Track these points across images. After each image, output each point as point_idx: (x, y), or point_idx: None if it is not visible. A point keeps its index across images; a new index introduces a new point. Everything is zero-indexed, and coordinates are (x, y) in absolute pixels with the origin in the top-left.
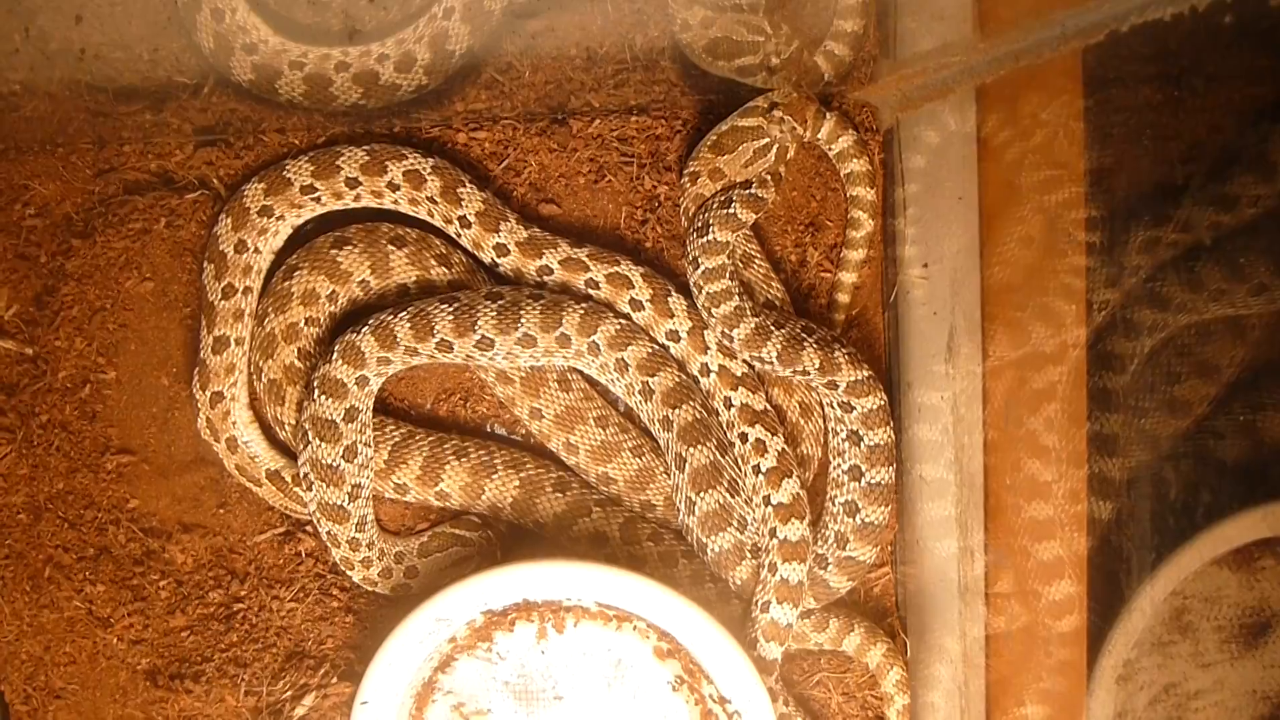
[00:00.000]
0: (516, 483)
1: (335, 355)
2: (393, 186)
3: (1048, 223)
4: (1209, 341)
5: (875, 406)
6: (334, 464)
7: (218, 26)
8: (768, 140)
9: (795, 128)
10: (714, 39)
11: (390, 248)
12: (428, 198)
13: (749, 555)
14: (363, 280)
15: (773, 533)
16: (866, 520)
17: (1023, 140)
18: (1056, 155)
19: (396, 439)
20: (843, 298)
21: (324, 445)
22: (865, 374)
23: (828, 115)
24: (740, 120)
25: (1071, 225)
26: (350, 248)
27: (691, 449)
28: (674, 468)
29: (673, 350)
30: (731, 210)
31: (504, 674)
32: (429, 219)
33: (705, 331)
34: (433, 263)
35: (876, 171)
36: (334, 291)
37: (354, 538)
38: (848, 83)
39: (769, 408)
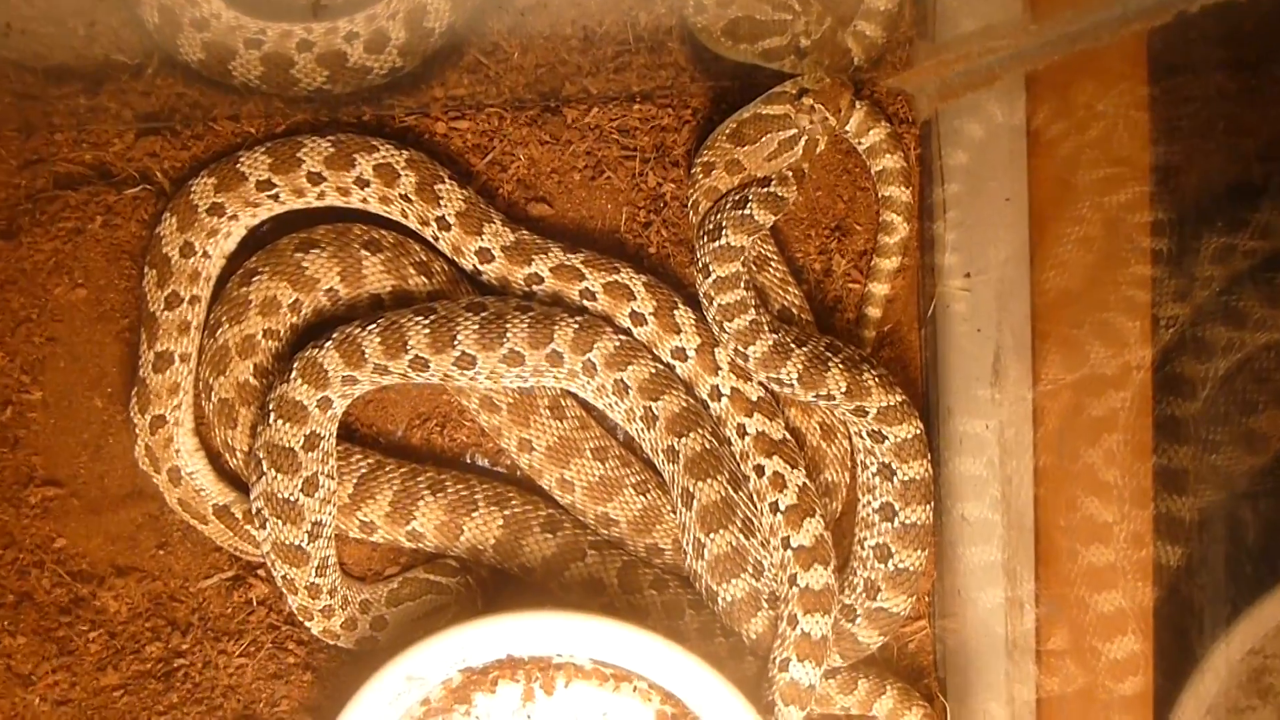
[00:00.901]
0: (500, 521)
1: (295, 373)
2: (361, 182)
3: (1108, 227)
4: None
5: (910, 436)
6: (292, 498)
7: None
8: (795, 131)
9: (827, 118)
10: (734, 19)
11: (363, 253)
12: (401, 195)
13: (765, 605)
14: (330, 289)
15: (793, 580)
16: (900, 566)
17: (1079, 134)
18: (1117, 151)
19: (363, 470)
20: (873, 312)
21: (280, 476)
22: (899, 399)
23: (858, 105)
24: (765, 107)
25: (1135, 230)
26: (317, 251)
27: (700, 483)
28: (680, 505)
29: (679, 370)
30: (747, 211)
31: None
32: (402, 220)
33: (716, 349)
34: (411, 271)
35: (912, 169)
36: (297, 300)
37: (313, 583)
38: (880, 68)
39: (788, 436)
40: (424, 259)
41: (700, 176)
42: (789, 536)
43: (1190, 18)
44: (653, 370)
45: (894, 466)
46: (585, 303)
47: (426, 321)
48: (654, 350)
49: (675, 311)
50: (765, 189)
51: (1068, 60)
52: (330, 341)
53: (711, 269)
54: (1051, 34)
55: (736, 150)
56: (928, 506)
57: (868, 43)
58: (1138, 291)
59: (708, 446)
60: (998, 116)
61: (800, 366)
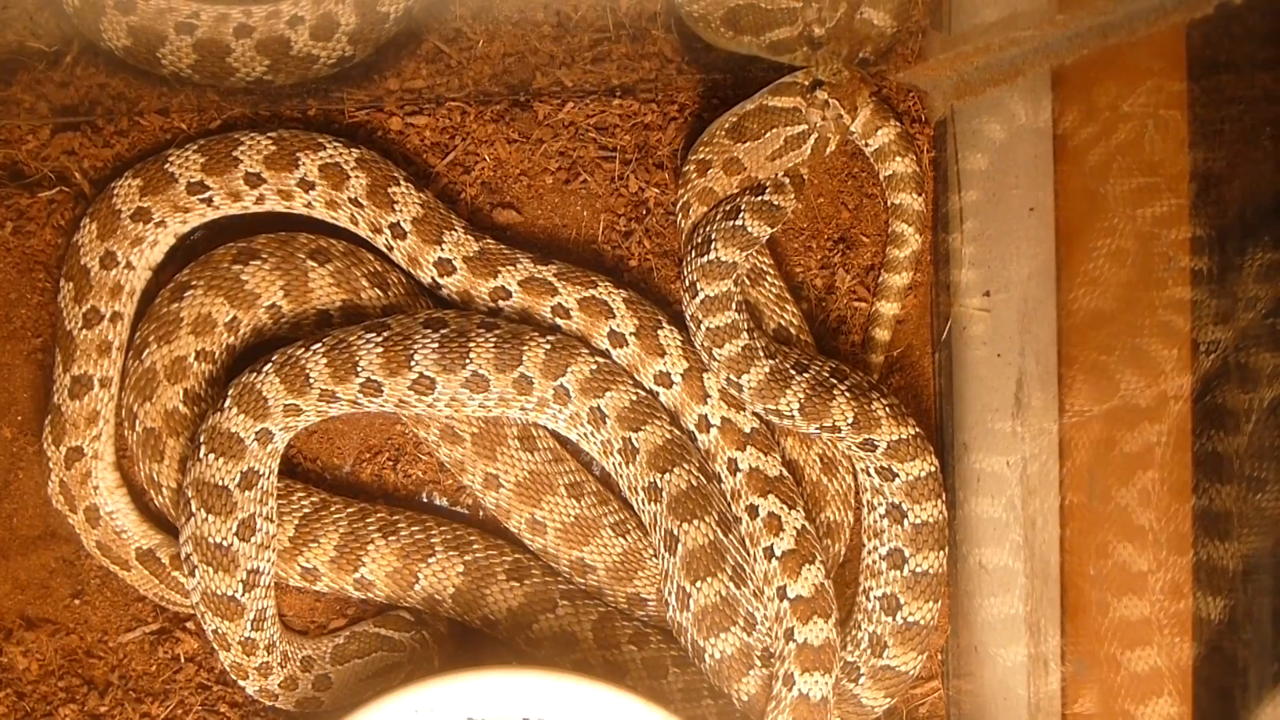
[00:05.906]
0: (460, 568)
1: (230, 402)
2: (306, 185)
3: (1142, 243)
4: None
5: (923, 474)
6: (225, 543)
7: None
8: (804, 128)
9: (841, 115)
10: (734, 7)
11: (310, 263)
12: (350, 199)
13: (758, 663)
14: (272, 304)
15: (789, 634)
16: (910, 619)
17: (1110, 137)
18: (1152, 157)
19: (306, 510)
20: (881, 334)
21: (212, 518)
22: (911, 432)
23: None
24: (772, 99)
25: (1172, 247)
26: (258, 263)
27: (685, 525)
28: (663, 549)
29: (663, 398)
30: (739, 222)
31: None
32: (352, 227)
33: (705, 375)
34: (364, 283)
35: (925, 174)
36: (235, 318)
37: (249, 638)
38: (889, 61)
39: (785, 473)
40: (379, 269)
41: (694, 176)
42: (785, 586)
43: (1234, 10)
44: (633, 397)
45: (905, 507)
46: (558, 321)
47: (379, 339)
48: (635, 375)
49: (659, 332)
50: (759, 197)
51: (1099, 55)
52: (270, 365)
53: (699, 287)
54: (1081, 25)
55: (736, 147)
56: (941, 553)
57: (876, 33)
58: (1175, 314)
59: (694, 484)
60: (1021, 116)
61: (802, 395)
